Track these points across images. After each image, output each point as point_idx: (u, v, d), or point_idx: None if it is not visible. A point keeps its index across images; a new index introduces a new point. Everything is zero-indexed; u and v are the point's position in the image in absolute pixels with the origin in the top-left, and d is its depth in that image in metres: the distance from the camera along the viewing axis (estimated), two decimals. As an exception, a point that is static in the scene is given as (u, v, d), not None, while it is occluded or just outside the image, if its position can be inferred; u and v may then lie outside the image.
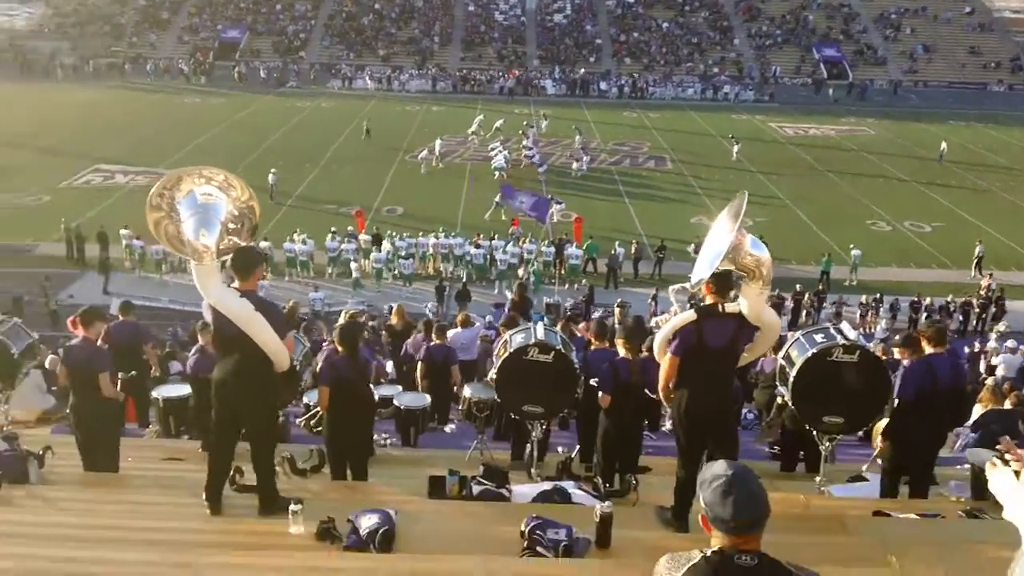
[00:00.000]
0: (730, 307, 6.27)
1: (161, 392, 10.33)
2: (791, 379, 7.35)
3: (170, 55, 68.34)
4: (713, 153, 46.16)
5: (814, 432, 7.73)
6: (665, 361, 6.45)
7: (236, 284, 6.01)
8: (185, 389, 9.99)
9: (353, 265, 28.13)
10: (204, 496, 6.24)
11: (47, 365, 11.86)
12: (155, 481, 7.63)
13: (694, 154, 46.01)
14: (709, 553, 2.94)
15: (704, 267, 6.24)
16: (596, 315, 20.07)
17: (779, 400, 9.07)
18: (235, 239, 5.85)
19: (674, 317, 6.54)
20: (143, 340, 10.97)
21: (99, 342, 8.25)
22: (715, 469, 3.00)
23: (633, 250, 29.87)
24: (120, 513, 6.30)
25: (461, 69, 67.45)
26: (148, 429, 10.77)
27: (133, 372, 8.98)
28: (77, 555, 5.14)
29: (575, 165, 41.10)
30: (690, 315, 6.29)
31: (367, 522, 5.55)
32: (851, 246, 30.06)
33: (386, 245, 29.16)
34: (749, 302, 6.23)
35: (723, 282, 6.27)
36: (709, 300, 6.30)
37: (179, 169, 5.72)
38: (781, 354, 7.88)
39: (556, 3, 77.56)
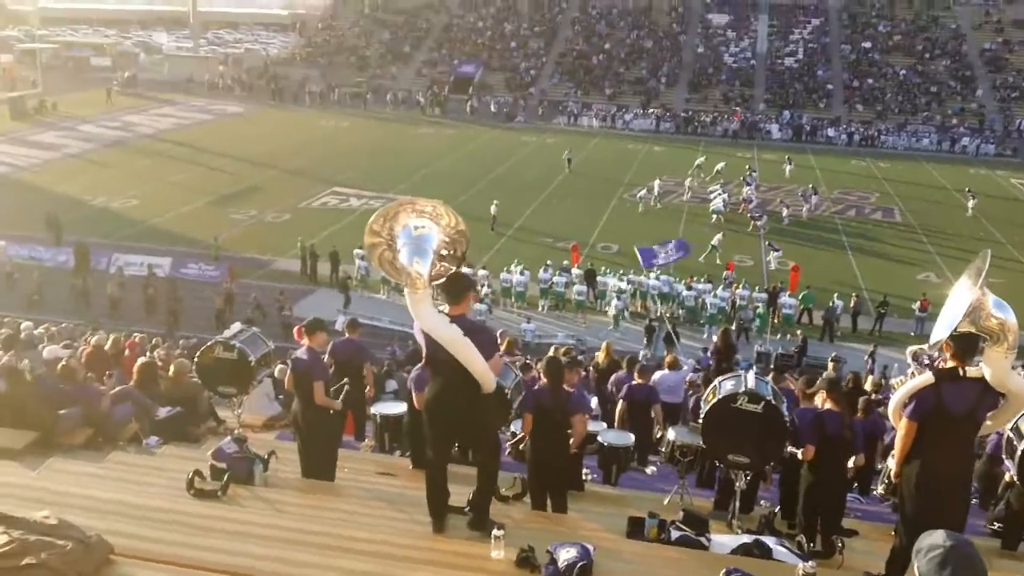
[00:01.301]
0: (972, 371, 5.91)
1: (379, 409, 10.86)
2: (1019, 453, 6.86)
3: (409, 87, 71.92)
4: (947, 208, 43.62)
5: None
6: (901, 426, 6.15)
7: (446, 309, 6.29)
8: (401, 407, 10.42)
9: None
10: (429, 512, 6.54)
11: (276, 374, 12.77)
12: (369, 493, 8.00)
13: (926, 208, 43.64)
14: None
15: (943, 328, 5.93)
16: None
17: (1007, 477, 8.47)
18: (446, 265, 6.12)
19: (911, 380, 6.25)
20: (364, 358, 11.55)
21: (325, 356, 8.75)
22: (934, 539, 2.90)
23: (852, 303, 28.67)
24: (335, 521, 6.66)
25: (686, 110, 67.16)
26: (363, 443, 11.32)
27: (346, 383, 9.42)
28: (292, 557, 5.48)
29: (784, 212, 39.98)
30: (929, 378, 5.98)
31: (566, 554, 5.63)
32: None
33: (611, 281, 29.35)
34: (993, 367, 5.85)
35: (965, 344, 5.90)
36: (950, 363, 5.97)
37: (395, 202, 6.03)
38: (1010, 425, 7.37)
39: (788, 47, 75.99)
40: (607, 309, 28.68)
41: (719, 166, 47.27)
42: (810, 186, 43.94)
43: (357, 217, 36.97)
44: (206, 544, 5.54)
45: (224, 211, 38.64)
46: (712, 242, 33.94)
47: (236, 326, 10.03)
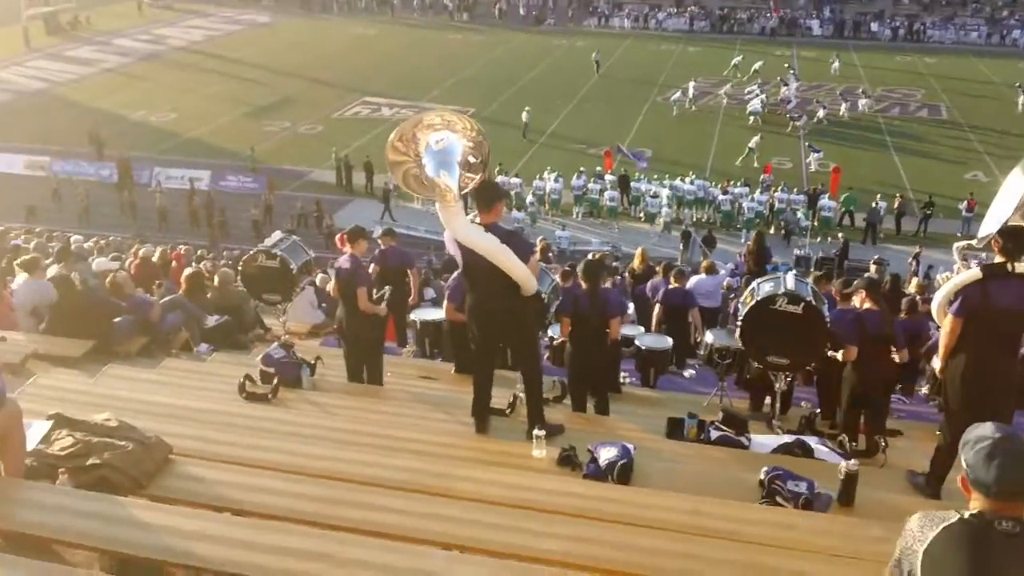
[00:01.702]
0: (1021, 268, 5.76)
1: (418, 315, 11.01)
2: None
3: (437, -10, 70.54)
4: (996, 104, 42.40)
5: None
6: (946, 323, 6.02)
7: (478, 219, 6.32)
8: (439, 313, 10.54)
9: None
10: (472, 413, 6.71)
11: (318, 282, 12.95)
12: (413, 396, 8.20)
13: (974, 105, 42.47)
14: (967, 515, 2.88)
15: (993, 222, 5.81)
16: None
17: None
18: (471, 175, 6.13)
19: (957, 276, 6.10)
20: (407, 264, 11.68)
21: (372, 264, 8.85)
22: (982, 431, 2.91)
23: (896, 205, 28.27)
24: (381, 423, 6.84)
25: (722, 7, 65.35)
26: (405, 349, 11.52)
27: (388, 288, 9.53)
28: (341, 455, 5.66)
29: (820, 112, 39.14)
30: (975, 274, 5.82)
31: (607, 454, 5.76)
32: None
33: (644, 187, 29.22)
34: None
35: (1015, 239, 5.72)
36: (998, 259, 5.82)
37: (407, 122, 5.96)
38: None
39: (829, -63, 73.27)
40: (657, 219, 28.54)
41: (756, 65, 46.21)
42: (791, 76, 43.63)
43: (389, 127, 36.61)
44: (260, 444, 5.74)
45: (258, 123, 38.68)
46: (749, 144, 33.46)
47: (276, 235, 10.16)
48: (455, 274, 9.40)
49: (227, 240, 26.60)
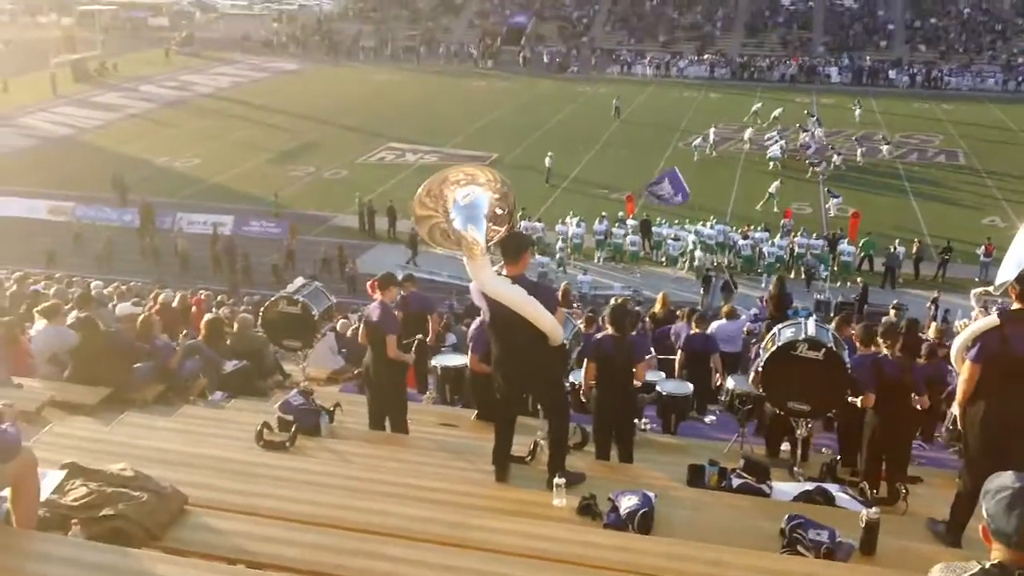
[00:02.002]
0: None
1: (440, 361, 10.98)
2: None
3: (461, 39, 71.53)
4: (1013, 150, 42.35)
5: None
6: (964, 369, 6.00)
7: (505, 271, 6.31)
8: (462, 359, 10.53)
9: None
10: (492, 461, 6.67)
11: (338, 328, 12.96)
12: (433, 444, 8.14)
13: (991, 150, 42.44)
14: (988, 565, 2.84)
15: (1010, 269, 5.81)
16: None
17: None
18: (497, 227, 6.12)
19: (975, 322, 6.10)
20: (429, 310, 11.68)
21: (396, 310, 8.87)
22: (1003, 480, 2.88)
23: (915, 249, 28.14)
24: (400, 471, 6.80)
25: (742, 55, 65.86)
26: (425, 395, 11.49)
27: (419, 336, 9.55)
28: (360, 505, 5.63)
29: (836, 159, 39.15)
30: (993, 320, 5.82)
31: (627, 502, 5.70)
32: None
33: (666, 231, 29.31)
34: None
35: None
36: (1016, 305, 5.81)
37: (433, 179, 5.96)
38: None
39: (847, -13, 73.89)
40: (681, 261, 28.71)
41: (776, 112, 46.36)
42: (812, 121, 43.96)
43: (413, 172, 37.07)
44: (275, 493, 5.71)
45: (283, 168, 39.06)
46: (770, 189, 33.50)
47: (299, 281, 10.22)
48: (476, 321, 9.40)
49: (248, 285, 26.73)
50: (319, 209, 34.07)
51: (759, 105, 48.05)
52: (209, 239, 29.86)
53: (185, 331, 12.79)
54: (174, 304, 15.43)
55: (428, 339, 11.62)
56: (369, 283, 9.01)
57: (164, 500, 5.04)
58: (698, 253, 28.29)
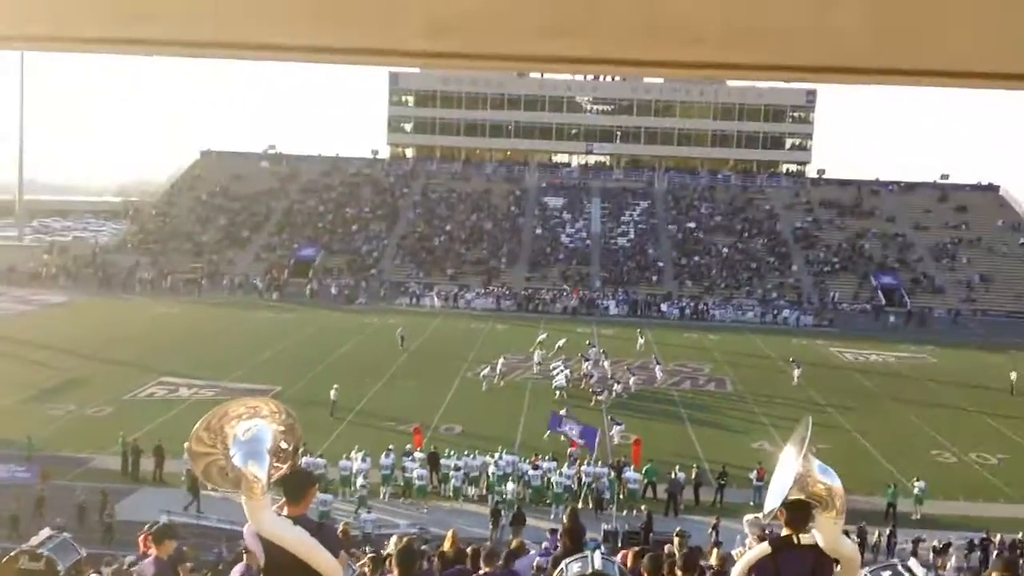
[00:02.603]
0: (806, 539, 5.86)
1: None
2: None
3: (246, 271, 71.27)
4: (774, 377, 45.82)
5: None
6: None
7: (286, 510, 5.87)
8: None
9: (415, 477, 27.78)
10: None
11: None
12: None
13: (756, 377, 45.72)
14: None
15: (775, 497, 5.95)
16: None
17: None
18: (280, 464, 5.74)
19: (748, 552, 6.19)
20: (180, 561, 10.75)
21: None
22: None
23: (694, 475, 29.11)
24: None
25: (526, 288, 69.05)
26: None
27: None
28: None
29: (616, 387, 40.84)
30: (765, 548, 5.93)
31: None
32: (915, 479, 28.73)
33: (453, 463, 28.94)
34: (824, 533, 5.86)
35: (797, 512, 5.85)
36: (784, 531, 5.93)
37: (211, 414, 5.65)
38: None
39: (620, 227, 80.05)
40: (469, 489, 28.40)
41: (560, 343, 48.22)
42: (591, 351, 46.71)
43: (186, 408, 35.39)
44: None
45: (41, 407, 36.20)
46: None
47: (44, 532, 9.32)
48: (238, 569, 8.66)
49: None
50: (78, 450, 31.56)
51: (544, 336, 49.75)
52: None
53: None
54: None
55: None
56: (142, 537, 8.20)
57: None
58: (511, 486, 28.04)
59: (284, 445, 5.64)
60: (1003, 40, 1.40)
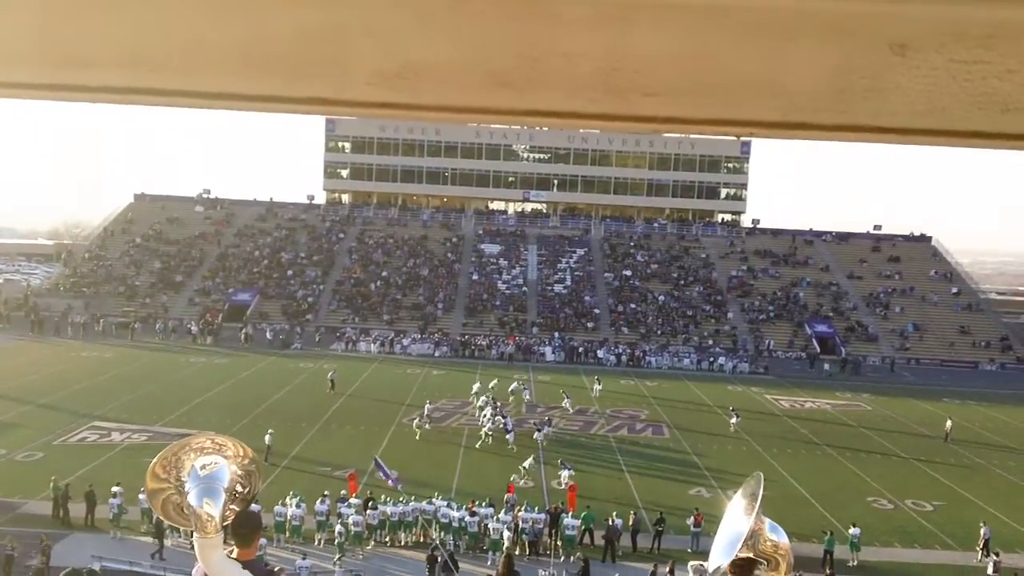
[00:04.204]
0: None
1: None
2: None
3: (180, 316, 70.11)
4: (711, 423, 46.25)
5: None
6: None
7: (235, 553, 5.80)
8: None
9: (340, 528, 27.37)
10: None
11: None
12: None
13: (692, 423, 46.13)
14: None
15: (723, 554, 5.99)
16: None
17: None
18: (233, 507, 5.69)
19: None
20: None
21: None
22: None
23: (631, 521, 29.12)
24: None
25: (463, 334, 68.93)
26: None
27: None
28: None
29: (536, 435, 40.20)
30: None
31: None
32: (851, 525, 29.05)
33: (389, 509, 28.63)
34: None
35: (744, 570, 6.00)
36: None
37: (173, 445, 5.61)
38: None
39: (556, 274, 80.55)
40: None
41: (491, 384, 48.32)
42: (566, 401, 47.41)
43: (118, 453, 34.62)
44: None
45: (-33, 452, 35.19)
46: (523, 464, 34.21)
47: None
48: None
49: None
50: (8, 496, 30.63)
51: (478, 385, 49.60)
52: None
53: None
54: None
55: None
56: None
57: None
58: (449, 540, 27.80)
59: (240, 488, 5.61)
60: (954, 98, 1.45)
